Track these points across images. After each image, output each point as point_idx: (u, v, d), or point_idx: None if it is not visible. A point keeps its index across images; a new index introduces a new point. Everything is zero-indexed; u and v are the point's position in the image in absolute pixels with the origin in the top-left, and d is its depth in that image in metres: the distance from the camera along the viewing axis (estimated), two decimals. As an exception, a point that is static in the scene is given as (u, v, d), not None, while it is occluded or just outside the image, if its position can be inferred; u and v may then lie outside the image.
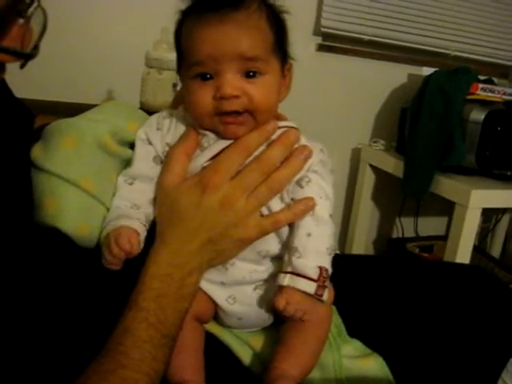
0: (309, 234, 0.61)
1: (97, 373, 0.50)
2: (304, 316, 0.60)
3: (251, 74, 0.59)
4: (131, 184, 0.65)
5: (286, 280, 0.60)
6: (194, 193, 0.60)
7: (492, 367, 0.78)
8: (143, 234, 0.62)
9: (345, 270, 0.82)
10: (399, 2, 2.00)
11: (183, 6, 0.61)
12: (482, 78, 1.81)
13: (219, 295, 0.65)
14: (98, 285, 0.64)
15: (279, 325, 0.67)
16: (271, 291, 0.64)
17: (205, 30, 0.58)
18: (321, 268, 0.60)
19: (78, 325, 0.58)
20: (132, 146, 0.67)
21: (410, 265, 0.90)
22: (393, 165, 1.89)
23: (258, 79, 0.60)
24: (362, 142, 2.12)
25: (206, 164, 0.62)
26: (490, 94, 1.70)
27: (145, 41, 1.28)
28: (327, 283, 0.61)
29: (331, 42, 1.99)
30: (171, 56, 1.03)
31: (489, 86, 1.71)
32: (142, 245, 0.61)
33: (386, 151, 2.00)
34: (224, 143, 0.62)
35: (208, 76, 0.59)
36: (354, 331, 0.73)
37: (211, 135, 0.63)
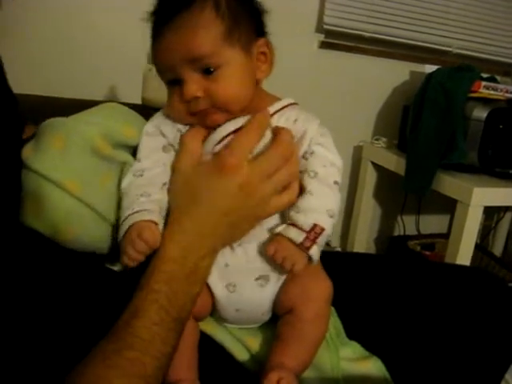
0: (310, 193, 0.63)
1: (102, 352, 0.50)
2: (293, 267, 0.61)
3: (208, 70, 0.60)
4: (141, 175, 0.65)
5: (279, 228, 0.62)
6: (212, 176, 0.60)
7: (493, 370, 0.78)
8: (161, 224, 0.61)
9: (345, 269, 0.81)
10: (402, -1, 2.00)
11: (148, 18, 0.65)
12: (484, 75, 1.80)
13: (219, 282, 0.64)
14: (91, 283, 0.64)
15: (275, 323, 0.66)
16: (272, 284, 0.64)
17: (158, 41, 0.62)
18: (315, 225, 0.61)
19: (73, 322, 0.58)
20: (128, 148, 0.67)
21: (410, 266, 0.89)
22: (395, 162, 1.89)
23: (216, 73, 0.61)
24: (364, 140, 2.11)
25: (217, 147, 0.63)
26: (492, 92, 1.69)
27: (147, 38, 1.27)
28: (319, 241, 0.61)
29: (334, 40, 1.99)
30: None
31: (491, 84, 1.70)
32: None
33: (387, 149, 1.99)
34: (232, 125, 0.63)
35: (176, 81, 0.62)
36: (353, 333, 0.73)
37: None
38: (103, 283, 0.64)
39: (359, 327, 0.74)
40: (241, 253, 0.64)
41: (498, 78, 1.94)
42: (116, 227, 0.64)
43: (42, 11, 1.56)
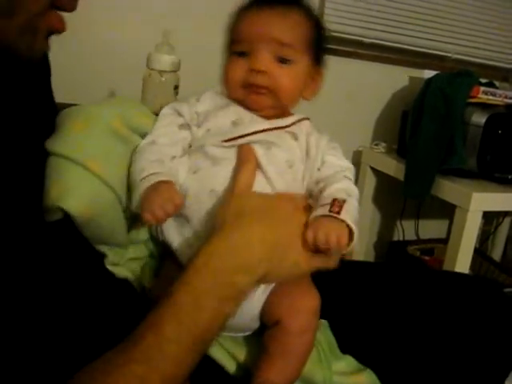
0: (324, 188, 0.66)
1: (108, 362, 0.48)
2: (340, 240, 0.58)
3: (282, 60, 0.67)
4: (153, 143, 0.66)
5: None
6: (287, 207, 0.63)
7: (492, 380, 0.77)
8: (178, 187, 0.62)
9: (338, 280, 0.81)
10: (401, 5, 2.01)
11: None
12: (483, 81, 1.81)
13: None
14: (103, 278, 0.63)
15: (261, 334, 0.65)
16: (260, 292, 0.64)
17: (252, 16, 0.68)
18: (335, 199, 0.62)
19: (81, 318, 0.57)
20: (141, 135, 0.68)
21: (405, 275, 0.88)
22: (394, 167, 1.89)
23: (287, 66, 0.68)
24: (363, 145, 2.12)
25: (239, 140, 0.66)
26: (491, 98, 1.70)
27: (147, 43, 1.28)
28: (347, 208, 0.61)
29: (333, 45, 1.98)
30: (173, 58, 1.03)
31: (490, 90, 1.71)
32: None
33: (387, 154, 2.00)
34: (261, 124, 0.68)
35: (244, 53, 0.68)
36: (346, 346, 0.72)
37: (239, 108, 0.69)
38: (103, 289, 0.64)
39: (353, 340, 0.74)
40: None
41: (497, 83, 1.94)
42: (128, 218, 0.65)
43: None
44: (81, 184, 0.60)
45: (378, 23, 1.99)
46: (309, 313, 0.64)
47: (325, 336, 0.71)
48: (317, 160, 0.69)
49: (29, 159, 0.59)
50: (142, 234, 0.71)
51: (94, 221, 0.61)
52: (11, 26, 0.49)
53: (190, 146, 0.68)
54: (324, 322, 0.73)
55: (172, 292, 0.52)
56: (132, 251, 0.70)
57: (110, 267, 0.66)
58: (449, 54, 2.14)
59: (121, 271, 0.67)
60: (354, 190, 0.67)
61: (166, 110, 0.70)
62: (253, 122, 0.68)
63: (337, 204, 0.61)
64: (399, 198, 2.06)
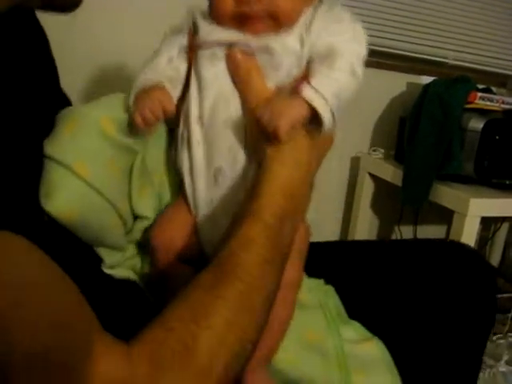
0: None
1: (207, 281, 0.48)
2: (282, 117, 0.54)
3: None
4: (151, 58, 0.65)
5: None
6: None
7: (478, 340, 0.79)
8: (174, 93, 0.61)
9: (342, 256, 0.82)
10: (398, 11, 2.02)
11: None
12: (480, 86, 1.81)
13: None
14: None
15: None
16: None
17: None
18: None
19: None
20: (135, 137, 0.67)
21: (393, 247, 0.90)
22: (392, 173, 1.90)
23: None
24: (361, 151, 2.12)
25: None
26: (488, 103, 1.70)
27: (145, 47, 1.28)
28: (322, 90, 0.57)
29: (330, 51, 1.99)
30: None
31: (487, 95, 1.71)
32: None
33: (385, 160, 2.00)
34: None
35: None
36: (351, 314, 0.74)
37: None
38: (99, 290, 0.64)
39: (357, 307, 0.75)
40: (225, 187, 0.63)
41: (494, 89, 1.95)
42: (127, 219, 0.64)
43: (42, 20, 1.57)
44: (65, 186, 0.58)
45: (376, 29, 1.99)
46: (286, 286, 0.61)
47: (333, 300, 0.72)
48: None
49: (33, 157, 0.59)
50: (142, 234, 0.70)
51: (81, 223, 0.60)
52: None
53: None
54: (330, 287, 0.73)
55: (263, 214, 0.52)
56: (132, 249, 0.70)
57: (107, 270, 0.66)
58: (446, 60, 2.15)
59: (120, 272, 0.67)
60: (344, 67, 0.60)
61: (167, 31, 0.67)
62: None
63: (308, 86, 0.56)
64: (397, 203, 2.06)
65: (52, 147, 0.60)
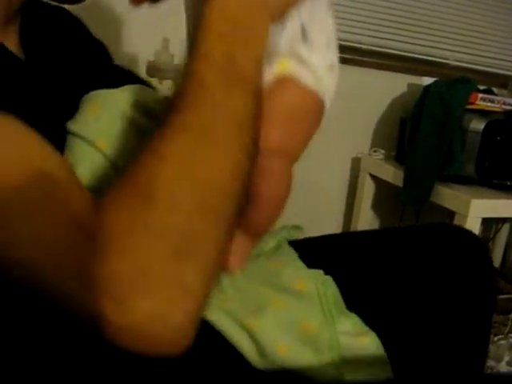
0: None
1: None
2: None
3: None
4: None
5: None
6: None
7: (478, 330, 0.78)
8: None
9: (335, 248, 0.82)
10: (399, 11, 2.02)
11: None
12: (481, 87, 1.82)
13: None
14: None
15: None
16: None
17: None
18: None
19: None
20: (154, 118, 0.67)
21: (385, 236, 0.90)
22: (392, 174, 1.90)
23: None
24: (362, 152, 2.12)
25: None
26: (489, 104, 1.70)
27: (146, 50, 1.28)
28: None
29: (331, 52, 1.99)
30: (172, 66, 1.04)
31: (488, 96, 1.71)
32: None
33: (385, 160, 2.00)
34: None
35: None
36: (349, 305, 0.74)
37: None
38: None
39: (356, 298, 0.75)
40: None
41: (495, 89, 1.95)
42: None
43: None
44: (87, 159, 0.62)
45: (376, 30, 1.99)
46: (271, 153, 0.55)
47: (331, 290, 0.72)
48: None
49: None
50: None
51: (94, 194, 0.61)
52: None
53: None
54: (329, 277, 0.74)
55: (198, 46, 0.47)
56: None
57: None
58: (447, 61, 2.15)
59: None
60: None
61: None
62: None
63: None
64: (398, 204, 2.06)
65: (77, 125, 0.64)
